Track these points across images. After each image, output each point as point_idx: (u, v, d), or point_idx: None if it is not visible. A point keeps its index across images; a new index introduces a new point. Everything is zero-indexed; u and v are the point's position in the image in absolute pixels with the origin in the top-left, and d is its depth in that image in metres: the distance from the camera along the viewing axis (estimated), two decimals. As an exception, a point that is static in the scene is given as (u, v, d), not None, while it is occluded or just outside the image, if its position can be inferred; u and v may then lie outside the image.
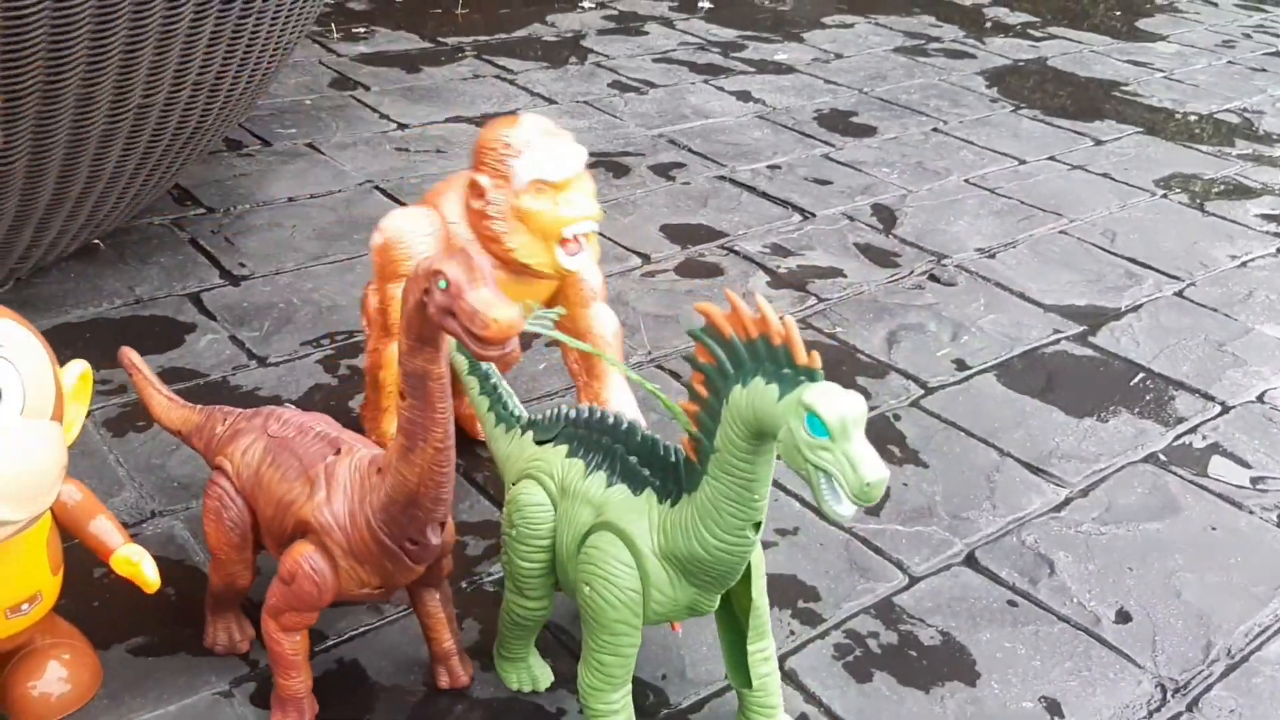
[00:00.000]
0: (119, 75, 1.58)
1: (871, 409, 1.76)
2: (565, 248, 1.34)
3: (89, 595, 1.30)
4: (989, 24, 4.05)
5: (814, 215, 2.43)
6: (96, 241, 2.04)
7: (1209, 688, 1.29)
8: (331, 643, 1.26)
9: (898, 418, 1.75)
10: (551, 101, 2.98)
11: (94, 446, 1.54)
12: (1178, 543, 1.51)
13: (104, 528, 1.14)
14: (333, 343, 1.83)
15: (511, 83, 3.09)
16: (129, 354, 1.30)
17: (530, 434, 1.16)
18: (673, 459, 1.04)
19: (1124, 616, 1.38)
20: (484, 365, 1.22)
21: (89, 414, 1.60)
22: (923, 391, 1.82)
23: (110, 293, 1.92)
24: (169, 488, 1.48)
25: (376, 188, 2.40)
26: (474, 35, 3.48)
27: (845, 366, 1.87)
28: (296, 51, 3.17)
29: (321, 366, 1.77)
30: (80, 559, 1.21)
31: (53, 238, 1.81)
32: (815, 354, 0.90)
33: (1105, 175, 2.75)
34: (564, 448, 1.11)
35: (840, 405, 0.87)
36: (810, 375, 0.90)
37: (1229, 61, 3.79)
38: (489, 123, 1.36)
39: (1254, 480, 1.65)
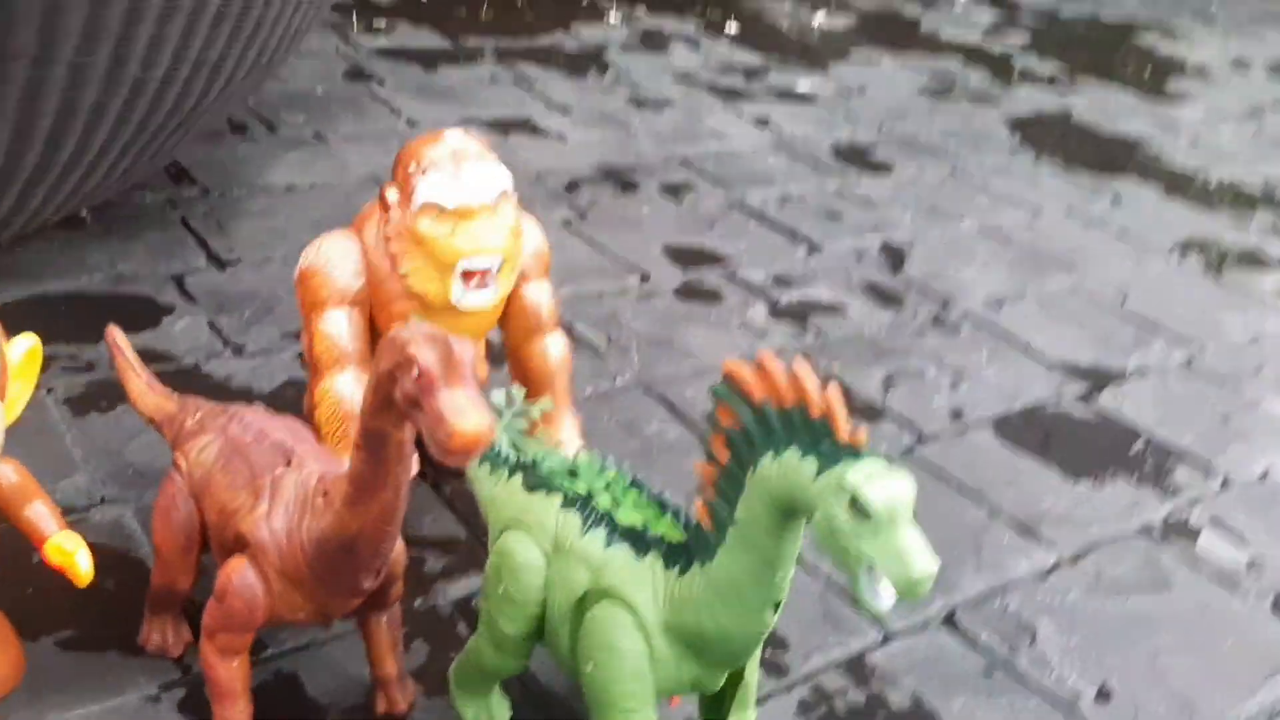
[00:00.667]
0: (115, 47, 1.54)
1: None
2: (467, 282, 1.24)
3: (23, 581, 1.24)
4: (1017, 72, 4.01)
5: (821, 249, 2.37)
6: (83, 214, 1.99)
7: (1187, 779, 1.22)
8: (271, 653, 1.20)
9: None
10: (566, 112, 2.93)
11: (51, 424, 1.49)
12: (1166, 621, 1.45)
13: (39, 513, 1.08)
14: (313, 338, 1.78)
15: (529, 89, 3.05)
16: (114, 333, 1.25)
17: (517, 479, 1.07)
18: (695, 520, 0.95)
19: (1104, 695, 1.32)
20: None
21: (50, 390, 1.55)
22: (916, 440, 1.76)
23: (92, 266, 1.87)
24: (124, 475, 1.42)
25: (379, 183, 2.35)
26: (496, 38, 3.44)
27: (838, 407, 1.81)
28: (313, 40, 3.13)
29: (298, 362, 1.71)
30: (16, 543, 1.15)
31: (36, 206, 1.76)
32: (862, 430, 0.82)
33: (1122, 233, 2.69)
34: (557, 498, 1.02)
35: (889, 490, 0.78)
36: (853, 453, 0.81)
37: (1256, 130, 3.74)
38: (421, 135, 1.29)
39: (1250, 562, 1.58)
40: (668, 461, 1.60)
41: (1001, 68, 4.04)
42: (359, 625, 1.11)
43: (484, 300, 1.26)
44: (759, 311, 2.08)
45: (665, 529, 0.97)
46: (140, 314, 1.76)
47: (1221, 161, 3.34)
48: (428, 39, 3.34)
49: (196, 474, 1.09)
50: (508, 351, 1.44)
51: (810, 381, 0.83)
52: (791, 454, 0.83)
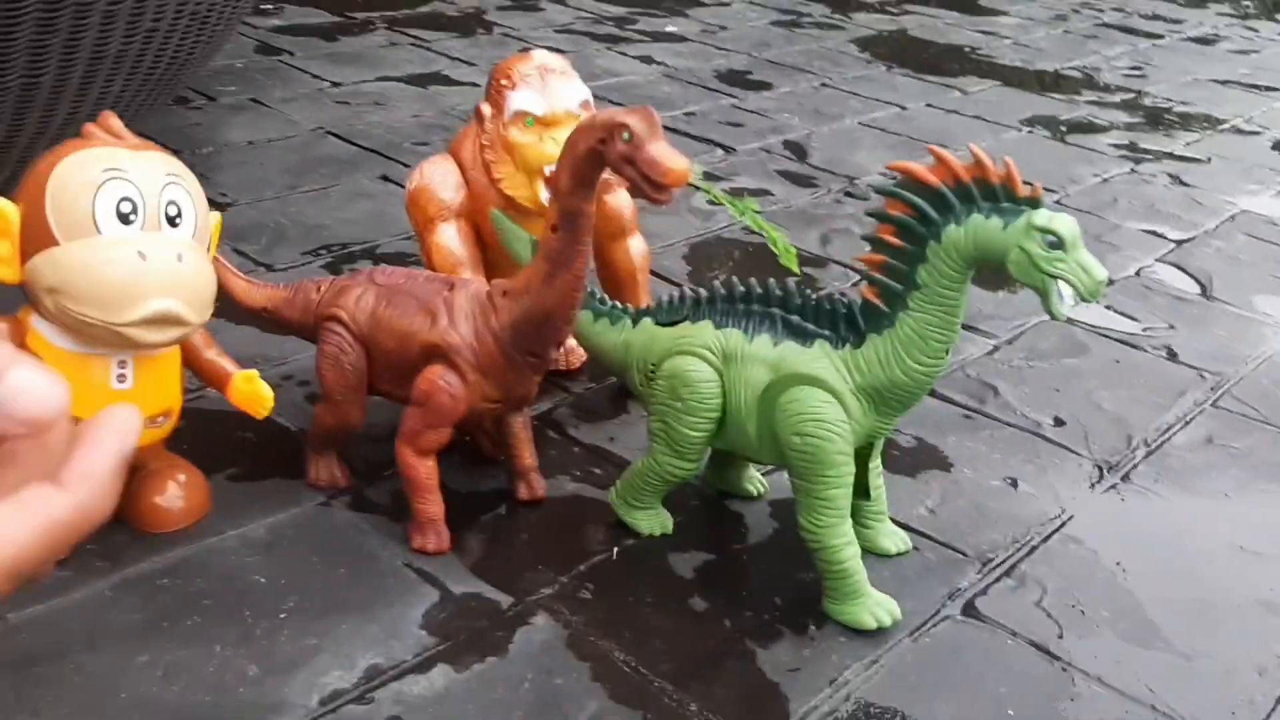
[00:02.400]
0: (102, 19, 1.71)
1: (819, 290, 2.01)
2: (548, 184, 1.35)
3: (179, 441, 1.43)
4: (851, 2, 4.40)
5: (735, 150, 2.67)
6: (79, 175, 2.13)
7: (1135, 466, 1.56)
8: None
9: (844, 295, 2.00)
10: (470, 64, 3.16)
11: (136, 334, 1.66)
12: (1092, 371, 1.80)
13: (221, 355, 1.28)
14: (330, 253, 1.98)
15: (428, 49, 3.26)
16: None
17: (647, 320, 1.27)
18: (842, 310, 1.18)
19: (1059, 422, 1.65)
20: None
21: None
22: (860, 277, 2.08)
23: (105, 217, 2.02)
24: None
25: (329, 133, 2.54)
26: (380, 11, 3.62)
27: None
28: (213, 23, 3.26)
29: (327, 269, 1.91)
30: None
31: (9, 172, 1.90)
32: (1036, 185, 1.06)
33: (977, 117, 3.08)
34: (707, 323, 1.22)
35: (1070, 222, 1.04)
36: (1032, 204, 1.05)
37: (1065, 31, 4.22)
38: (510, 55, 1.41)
39: (1144, 329, 1.95)
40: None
41: (837, 1, 4.43)
42: (497, 428, 1.33)
43: None
44: (700, 199, 2.36)
45: (826, 320, 1.19)
46: (168, 249, 1.93)
47: (1042, 58, 3.79)
48: (318, 16, 3.51)
49: (360, 318, 1.26)
50: (594, 254, 1.52)
51: (986, 158, 1.07)
52: (975, 219, 1.07)
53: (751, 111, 2.97)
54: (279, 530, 1.30)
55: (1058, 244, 1.04)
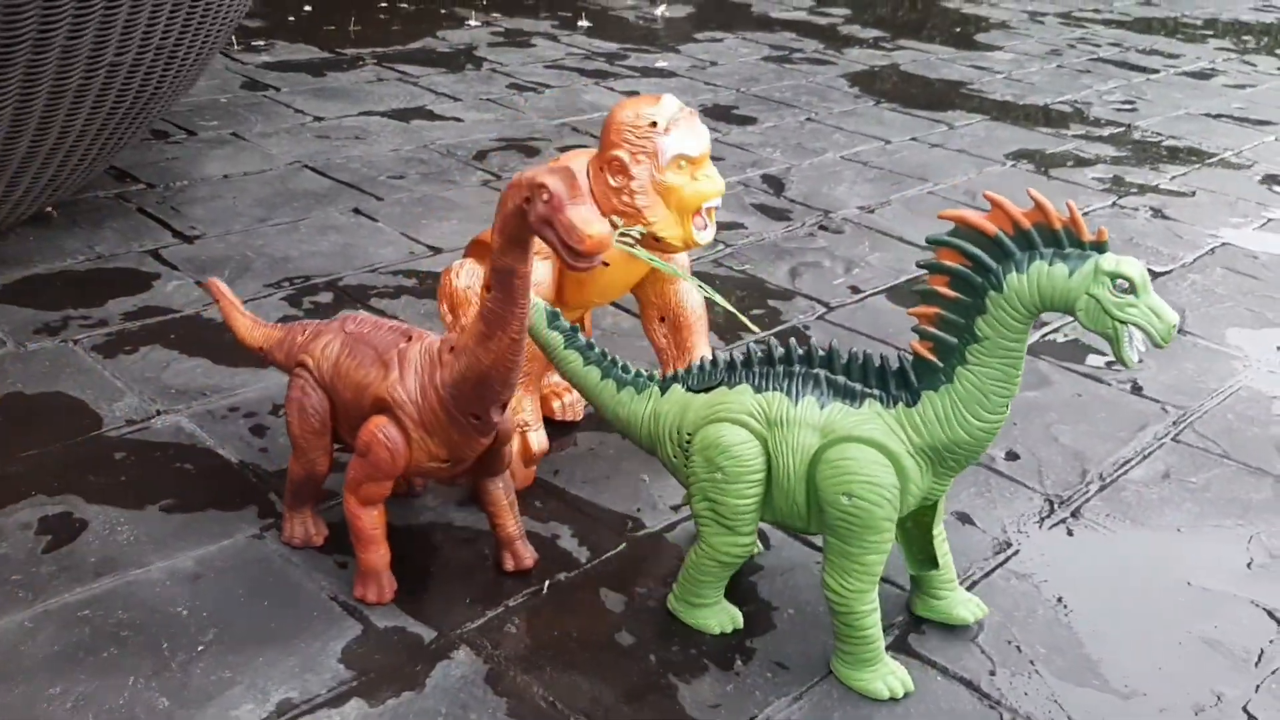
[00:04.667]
0: (97, 31, 1.73)
1: (783, 323, 2.00)
2: (695, 221, 1.36)
3: (110, 469, 1.43)
4: (844, 38, 4.42)
5: (711, 183, 2.67)
6: (49, 209, 2.15)
7: (1087, 500, 1.54)
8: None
9: (807, 328, 1.99)
10: (455, 99, 3.18)
11: (88, 365, 1.67)
12: (1053, 405, 1.78)
13: None
14: (292, 285, 1.99)
15: (414, 84, 3.28)
16: (217, 283, 1.40)
17: (677, 387, 1.21)
18: (894, 367, 1.13)
19: (1013, 456, 1.63)
20: (580, 337, 1.26)
21: (75, 342, 1.73)
22: (826, 309, 2.07)
23: (72, 250, 2.04)
24: (167, 393, 1.61)
25: (306, 167, 2.56)
26: (370, 47, 3.66)
27: (756, 293, 2.11)
28: (203, 60, 3.30)
29: (287, 302, 1.92)
30: (107, 442, 1.34)
31: (19, 196, 1.92)
32: (1102, 229, 1.02)
33: (961, 151, 3.08)
34: (745, 387, 1.16)
35: (1139, 266, 1.01)
36: (1098, 248, 1.02)
37: (1058, 66, 4.22)
38: (623, 102, 1.36)
39: (1109, 363, 1.93)
40: (626, 345, 1.87)
41: (831, 35, 4.44)
42: (478, 495, 1.28)
43: (711, 235, 1.38)
44: (671, 232, 2.36)
45: (875, 379, 1.14)
46: (131, 281, 1.94)
47: (1034, 92, 3.79)
48: (308, 52, 3.54)
49: (324, 366, 1.25)
50: (649, 299, 1.52)
51: (1048, 203, 1.02)
52: (1039, 266, 1.03)
53: (734, 145, 2.97)
54: (208, 562, 1.29)
55: (1128, 289, 1.01)
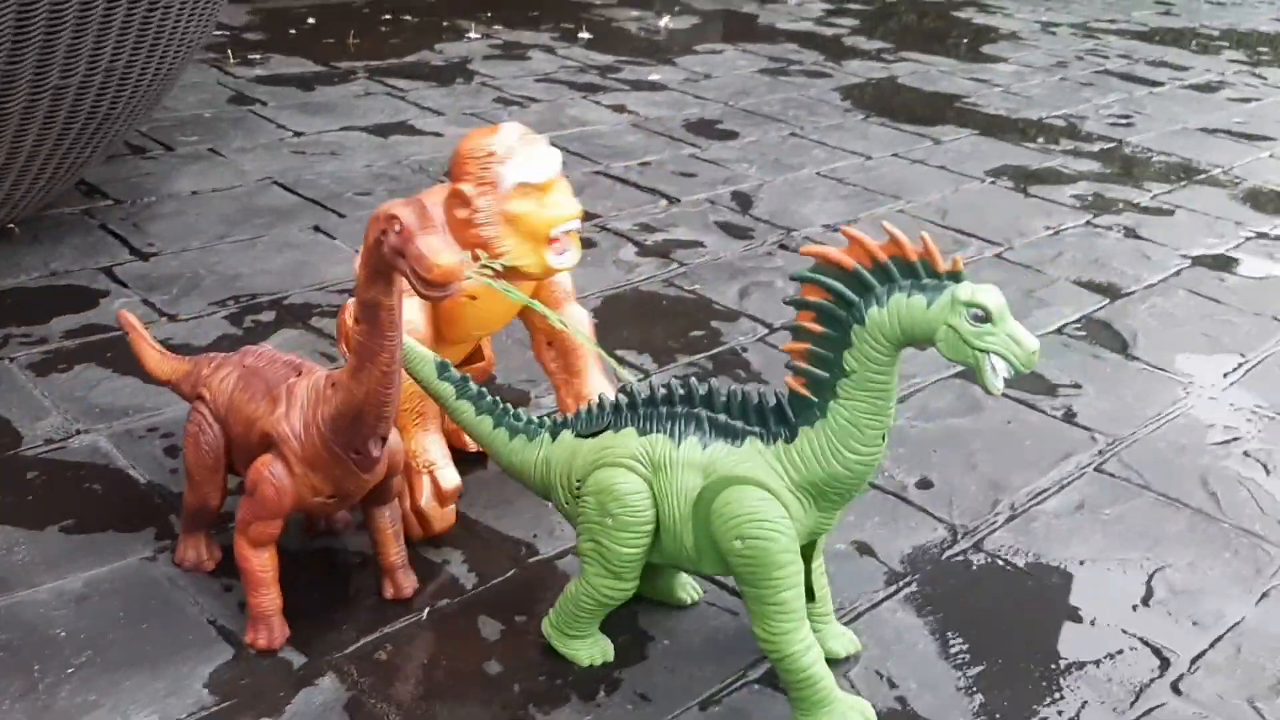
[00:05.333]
0: (39, 57, 1.77)
1: (722, 345, 2.01)
2: (552, 247, 1.35)
3: (20, 488, 1.46)
4: (846, 50, 4.40)
5: (679, 200, 2.68)
6: (11, 226, 2.20)
7: (993, 531, 1.53)
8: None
9: (745, 349, 1.99)
10: (439, 114, 3.21)
11: (20, 385, 1.71)
12: (980, 433, 1.77)
13: None
14: (237, 303, 2.02)
15: (401, 98, 3.32)
16: (125, 315, 1.41)
17: (566, 433, 1.21)
18: (772, 403, 1.13)
19: (926, 484, 1.62)
20: (472, 386, 1.26)
21: (13, 359, 1.77)
22: (768, 330, 2.07)
23: (28, 267, 2.08)
24: (91, 413, 1.65)
25: (275, 183, 2.59)
26: (366, 60, 3.70)
27: (702, 314, 2.11)
28: (195, 74, 3.36)
29: (228, 321, 1.95)
30: (22, 461, 1.38)
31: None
32: (957, 258, 1.03)
33: (942, 168, 3.06)
34: (630, 430, 1.16)
35: (995, 295, 1.01)
36: (954, 278, 1.02)
37: (1061, 78, 4.17)
38: (468, 134, 1.37)
39: (1050, 388, 1.92)
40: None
41: (833, 47, 4.43)
42: (365, 521, 1.30)
43: (572, 260, 1.38)
44: (628, 251, 2.37)
45: (754, 416, 1.13)
46: (79, 299, 1.99)
47: (1030, 106, 3.75)
48: (302, 65, 3.59)
49: (219, 399, 1.26)
50: (535, 324, 1.53)
51: (903, 236, 1.03)
52: (897, 299, 1.03)
53: (709, 161, 2.97)
54: (96, 583, 1.32)
55: (984, 317, 1.01)
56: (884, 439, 1.10)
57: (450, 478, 1.40)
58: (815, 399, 1.10)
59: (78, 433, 1.60)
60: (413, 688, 1.20)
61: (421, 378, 1.28)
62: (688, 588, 1.35)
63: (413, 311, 1.38)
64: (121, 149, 2.69)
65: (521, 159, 1.33)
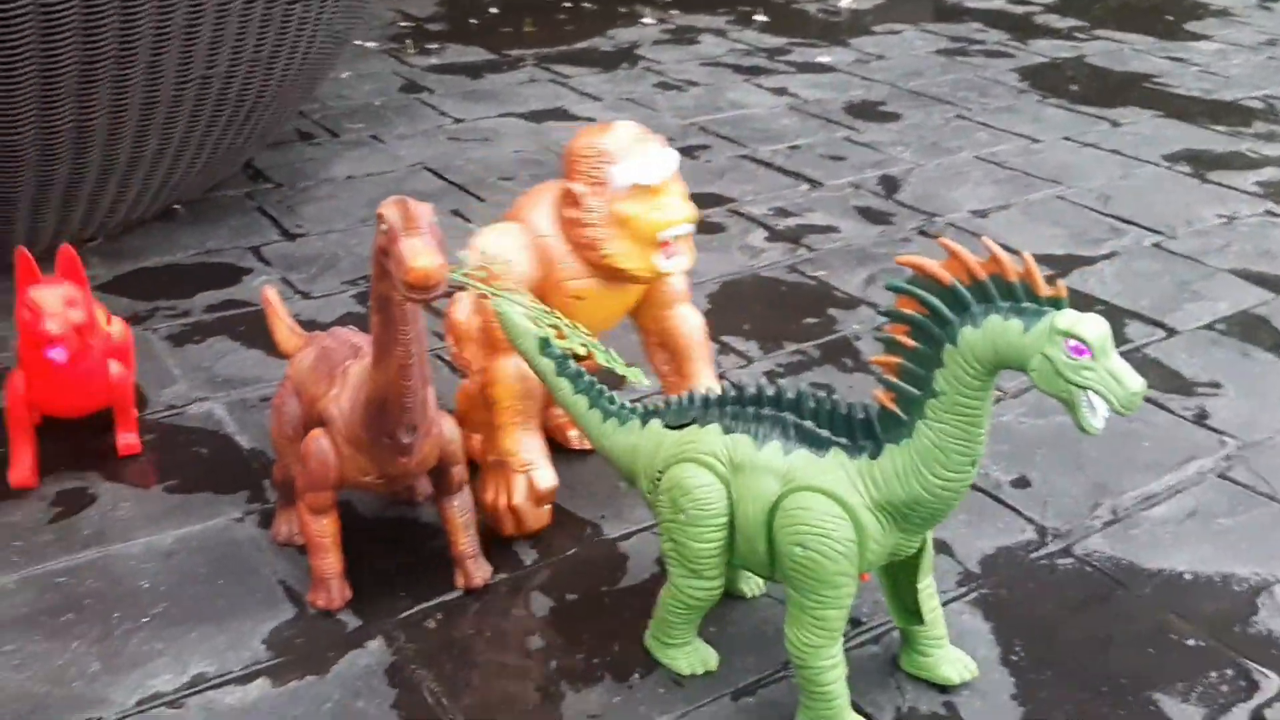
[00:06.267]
0: (182, 46, 1.89)
1: (835, 333, 1.96)
2: (663, 251, 1.33)
3: (140, 453, 1.58)
4: (1035, 28, 4.20)
5: (822, 184, 2.63)
6: (176, 206, 2.37)
7: (1087, 536, 1.45)
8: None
9: (858, 338, 1.94)
10: (596, 99, 3.25)
11: (156, 353, 1.83)
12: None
13: None
14: (366, 283, 2.10)
15: (564, 85, 3.37)
16: (268, 290, 1.49)
17: (655, 422, 1.19)
18: (860, 416, 1.08)
19: (1023, 483, 1.55)
20: (571, 365, 1.24)
21: (155, 330, 1.90)
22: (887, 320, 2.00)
23: (184, 245, 2.23)
24: (214, 381, 1.76)
25: (426, 168, 2.69)
26: (537, 48, 3.78)
27: (819, 301, 2.07)
28: (374, 63, 3.51)
29: (354, 300, 2.04)
30: (143, 425, 1.49)
31: (134, 195, 2.13)
32: (1061, 284, 0.96)
33: (1114, 151, 2.88)
34: (715, 427, 1.13)
35: (1098, 326, 0.93)
36: (1056, 304, 0.95)
37: (1269, 57, 3.86)
38: (580, 132, 1.35)
39: (1185, 387, 1.79)
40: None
41: (1021, 25, 4.24)
42: (438, 511, 1.32)
43: (682, 264, 1.34)
44: (757, 236, 2.34)
45: (841, 428, 1.09)
46: (224, 276, 2.12)
47: (1227, 86, 3.49)
48: (475, 54, 3.70)
49: (298, 376, 1.32)
50: (646, 326, 1.49)
51: (1003, 254, 0.96)
52: (994, 320, 0.97)
53: (862, 144, 2.90)
54: (185, 540, 1.41)
55: (1084, 350, 0.94)
56: (974, 465, 1.03)
57: (546, 478, 1.38)
58: (904, 417, 1.04)
59: (196, 400, 1.71)
60: (453, 657, 1.23)
61: (523, 350, 1.27)
62: (750, 581, 1.33)
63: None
64: (291, 135, 2.85)
65: (634, 159, 1.30)
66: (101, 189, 2.04)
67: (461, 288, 1.21)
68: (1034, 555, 1.41)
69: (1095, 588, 1.36)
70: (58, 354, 1.38)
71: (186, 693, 1.18)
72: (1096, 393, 0.94)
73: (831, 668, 1.10)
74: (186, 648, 1.24)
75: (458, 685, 1.19)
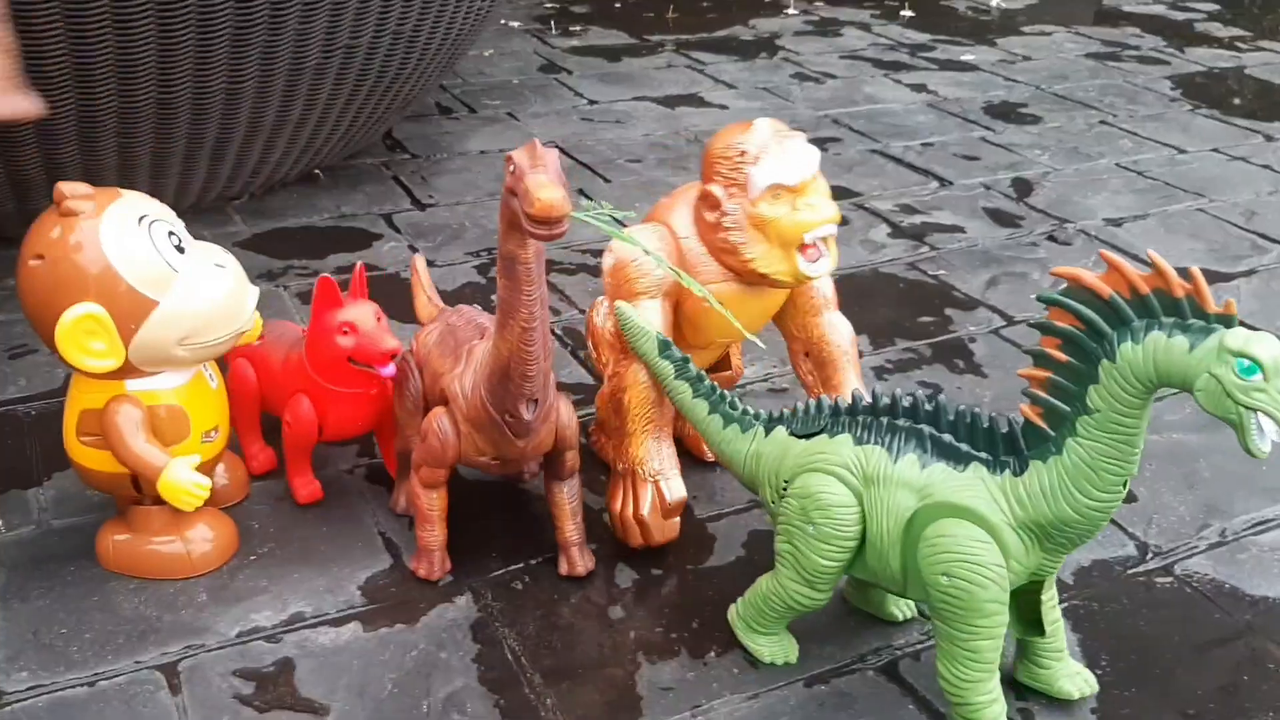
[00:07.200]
0: (330, 16, 1.97)
1: (950, 333, 1.94)
2: (805, 254, 1.27)
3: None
4: (1194, 36, 4.05)
5: (951, 183, 2.59)
6: (316, 172, 2.46)
7: (1191, 556, 1.41)
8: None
9: (973, 340, 1.91)
10: (731, 87, 3.25)
11: (286, 309, 1.92)
12: (1211, 452, 1.61)
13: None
14: (489, 255, 2.16)
15: (700, 72, 3.39)
16: (417, 259, 1.52)
17: (780, 430, 1.17)
18: (1003, 430, 1.05)
19: (1129, 498, 1.51)
20: (691, 369, 1.23)
21: (286, 287, 1.99)
22: (1005, 323, 1.97)
23: (321, 209, 2.32)
24: (336, 340, 1.83)
25: (556, 147, 2.73)
26: (678, 34, 3.81)
27: (937, 300, 2.05)
28: (518, 42, 3.59)
29: (475, 270, 2.10)
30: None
31: (278, 158, 2.22)
32: (1230, 301, 0.93)
33: (1266, 166, 2.77)
34: (846, 437, 1.10)
35: (1273, 347, 0.90)
36: (1226, 322, 0.92)
37: None
38: (719, 132, 1.31)
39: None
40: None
41: (1181, 32, 4.09)
42: (547, 496, 1.34)
43: (826, 267, 1.29)
44: (880, 232, 2.33)
45: (983, 441, 1.05)
46: (357, 240, 2.20)
47: (1401, 102, 3.32)
48: (616, 38, 3.74)
49: (423, 351, 1.35)
50: (790, 332, 1.45)
51: (1168, 268, 0.93)
52: (1156, 337, 0.94)
53: (998, 146, 2.85)
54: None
55: (1256, 370, 0.91)
56: (1125, 486, 1.00)
57: (676, 490, 1.33)
58: (1052, 432, 1.01)
59: (319, 356, 1.78)
60: (536, 619, 1.27)
61: (642, 352, 1.28)
62: (900, 604, 1.27)
63: (653, 314, 1.32)
64: (430, 109, 2.93)
65: (774, 159, 1.25)
66: (247, 150, 2.14)
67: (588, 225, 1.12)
68: (1131, 571, 1.38)
69: (1192, 609, 1.32)
70: (390, 370, 1.36)
71: (284, 629, 1.24)
72: (1268, 414, 0.91)
73: (991, 702, 1.08)
74: (288, 587, 1.30)
75: (538, 646, 1.23)
